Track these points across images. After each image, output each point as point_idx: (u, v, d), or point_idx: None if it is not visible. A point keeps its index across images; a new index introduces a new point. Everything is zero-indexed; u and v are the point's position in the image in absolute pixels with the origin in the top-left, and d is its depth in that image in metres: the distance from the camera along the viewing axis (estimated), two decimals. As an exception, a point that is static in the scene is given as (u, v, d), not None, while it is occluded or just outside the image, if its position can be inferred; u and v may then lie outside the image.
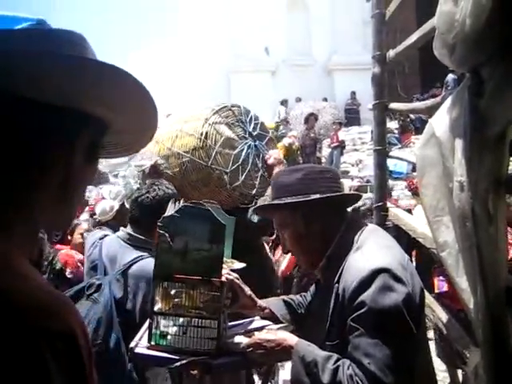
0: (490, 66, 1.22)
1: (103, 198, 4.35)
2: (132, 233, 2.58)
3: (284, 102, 19.27)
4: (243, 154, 3.17)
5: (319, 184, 1.69)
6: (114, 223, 3.84)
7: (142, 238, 2.52)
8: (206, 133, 3.04)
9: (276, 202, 1.75)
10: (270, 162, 3.27)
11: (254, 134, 3.31)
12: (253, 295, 1.90)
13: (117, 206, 4.01)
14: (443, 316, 2.16)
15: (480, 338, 1.32)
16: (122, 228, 2.74)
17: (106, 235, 2.80)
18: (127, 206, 3.75)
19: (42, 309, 0.62)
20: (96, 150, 0.85)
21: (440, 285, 4.23)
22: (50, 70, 0.69)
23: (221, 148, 3.07)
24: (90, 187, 4.89)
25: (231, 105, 3.33)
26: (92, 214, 4.79)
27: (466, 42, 1.22)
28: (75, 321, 0.66)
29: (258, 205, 1.86)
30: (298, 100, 19.72)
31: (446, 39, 1.29)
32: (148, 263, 2.27)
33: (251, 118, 3.35)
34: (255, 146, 3.28)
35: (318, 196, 1.66)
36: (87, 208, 5.41)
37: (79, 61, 0.74)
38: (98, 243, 2.68)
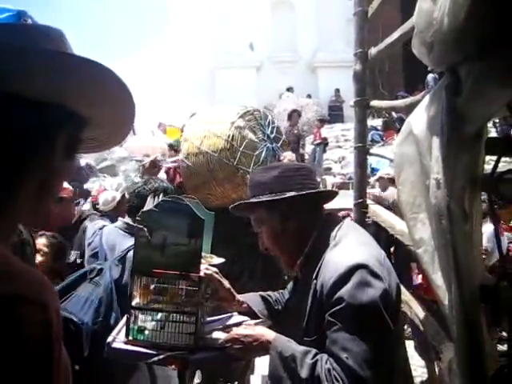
0: (468, 65, 1.22)
1: (105, 190, 4.50)
2: (129, 222, 2.84)
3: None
4: (263, 155, 3.43)
5: (295, 181, 1.69)
6: (113, 213, 4.03)
7: None
8: (233, 135, 3.32)
9: (252, 200, 1.75)
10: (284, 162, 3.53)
11: (272, 136, 3.58)
12: (232, 289, 1.91)
13: (118, 197, 4.19)
14: (420, 312, 2.18)
15: (454, 335, 1.34)
16: (120, 218, 3.04)
17: (104, 225, 3.15)
18: (128, 197, 3.93)
19: (22, 282, 0.66)
20: (75, 145, 0.84)
21: (414, 277, 4.34)
22: (32, 65, 0.68)
23: (244, 149, 3.34)
24: (92, 179, 5.10)
25: (253, 109, 3.58)
26: (94, 204, 4.97)
27: (443, 41, 1.23)
28: (50, 295, 0.68)
29: (235, 203, 1.85)
30: (290, 89, 19.82)
31: (425, 37, 1.30)
32: None
33: (269, 121, 3.60)
34: (272, 148, 3.54)
35: (293, 193, 1.66)
36: (89, 198, 5.58)
37: (59, 56, 0.73)
38: (98, 233, 3.05)
